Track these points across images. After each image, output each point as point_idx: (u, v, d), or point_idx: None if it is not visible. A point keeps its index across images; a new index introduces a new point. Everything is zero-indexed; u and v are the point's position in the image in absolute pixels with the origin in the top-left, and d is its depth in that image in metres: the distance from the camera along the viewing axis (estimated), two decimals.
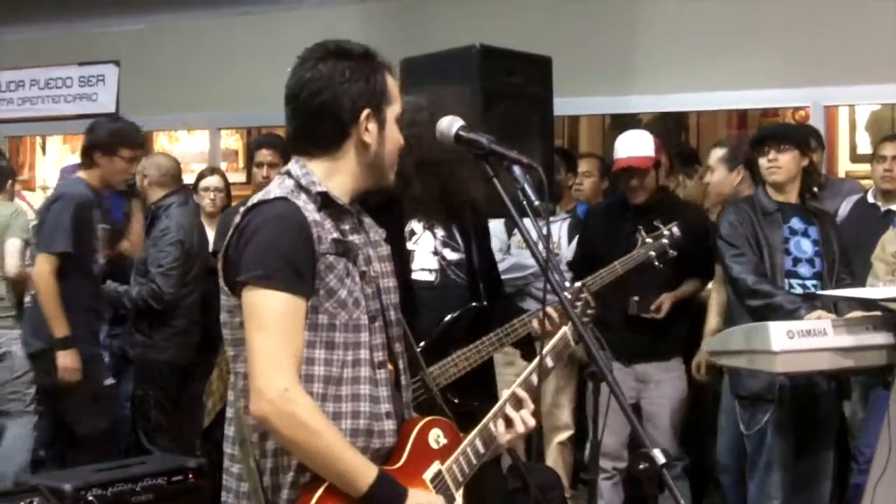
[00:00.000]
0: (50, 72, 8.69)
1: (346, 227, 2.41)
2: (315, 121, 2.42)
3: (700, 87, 6.69)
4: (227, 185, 6.75)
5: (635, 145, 5.27)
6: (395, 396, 2.48)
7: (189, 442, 6.04)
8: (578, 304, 3.35)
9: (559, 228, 5.88)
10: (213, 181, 6.61)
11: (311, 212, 2.34)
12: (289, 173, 2.42)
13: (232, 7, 7.96)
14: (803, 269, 4.76)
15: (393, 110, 2.45)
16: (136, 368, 5.90)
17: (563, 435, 5.72)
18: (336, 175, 2.42)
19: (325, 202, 2.38)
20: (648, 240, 4.19)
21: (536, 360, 2.71)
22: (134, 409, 6.00)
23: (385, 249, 2.56)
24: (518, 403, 2.62)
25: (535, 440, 5.46)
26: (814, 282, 4.71)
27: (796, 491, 4.85)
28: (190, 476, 4.59)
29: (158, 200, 5.96)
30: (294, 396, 2.25)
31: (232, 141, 9.80)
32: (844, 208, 5.60)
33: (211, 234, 6.23)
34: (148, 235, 5.89)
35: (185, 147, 9.49)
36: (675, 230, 4.19)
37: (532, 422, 2.63)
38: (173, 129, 9.59)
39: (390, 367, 2.49)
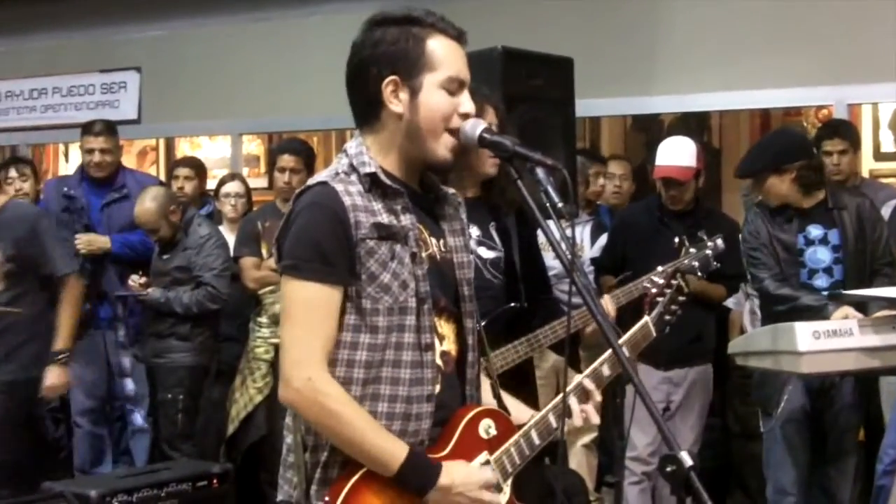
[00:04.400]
0: (72, 79, 8.71)
1: (399, 206, 2.38)
2: (351, 90, 2.42)
3: (722, 87, 6.64)
4: (249, 190, 6.78)
5: (678, 154, 5.18)
6: (452, 382, 2.46)
7: (211, 448, 6.07)
8: (668, 290, 3.32)
9: (582, 231, 5.87)
10: (234, 187, 6.64)
11: (352, 194, 2.32)
12: (346, 151, 2.42)
13: (252, 13, 7.97)
14: (820, 281, 4.74)
15: (435, 77, 2.35)
16: (161, 374, 5.90)
17: (587, 437, 5.70)
18: (386, 150, 2.40)
19: (374, 182, 2.36)
20: (692, 250, 4.21)
21: (609, 351, 2.65)
22: (157, 415, 6.01)
23: (460, 223, 2.54)
24: (584, 395, 2.60)
25: (560, 443, 5.44)
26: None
27: (816, 494, 4.85)
28: (214, 482, 4.60)
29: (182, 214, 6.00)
30: (319, 385, 2.27)
31: (253, 146, 9.81)
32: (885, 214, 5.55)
33: (231, 238, 6.25)
34: (176, 248, 5.91)
35: (207, 153, 9.50)
36: (720, 242, 4.23)
37: (596, 418, 2.61)
38: (195, 136, 9.61)
39: (454, 346, 2.48)
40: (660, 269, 4.04)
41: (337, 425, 2.28)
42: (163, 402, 5.88)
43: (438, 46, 2.36)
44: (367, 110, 2.41)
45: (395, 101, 2.36)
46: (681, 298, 3.33)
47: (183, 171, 6.97)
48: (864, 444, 5.13)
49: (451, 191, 2.57)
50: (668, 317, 3.28)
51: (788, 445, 4.82)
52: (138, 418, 6.32)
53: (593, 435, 5.69)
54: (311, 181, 2.40)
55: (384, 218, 2.34)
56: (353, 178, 2.36)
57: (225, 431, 5.98)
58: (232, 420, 5.91)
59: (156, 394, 5.97)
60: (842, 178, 5.57)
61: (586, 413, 2.58)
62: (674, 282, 3.35)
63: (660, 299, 3.30)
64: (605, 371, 2.72)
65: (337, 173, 2.37)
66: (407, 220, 2.38)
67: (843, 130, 5.77)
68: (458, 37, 2.41)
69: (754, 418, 5.36)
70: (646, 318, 3.07)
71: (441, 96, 2.37)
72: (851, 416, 4.87)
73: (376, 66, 2.36)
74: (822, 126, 6.09)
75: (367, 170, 2.36)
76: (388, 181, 2.37)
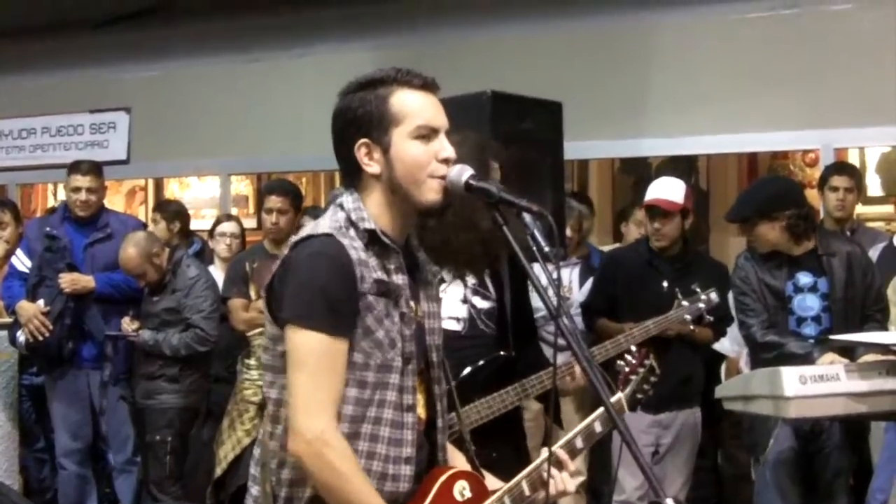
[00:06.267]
0: (61, 119, 8.73)
1: (392, 265, 2.39)
2: (336, 156, 2.45)
3: (710, 131, 6.70)
4: (243, 231, 6.88)
5: (665, 189, 5.28)
6: (423, 442, 2.45)
7: (199, 489, 6.03)
8: (641, 370, 3.33)
9: (570, 273, 5.87)
10: (229, 227, 6.76)
11: (357, 249, 2.33)
12: (341, 206, 2.42)
13: (242, 54, 8.01)
14: (808, 329, 4.74)
15: (403, 129, 2.37)
16: (151, 415, 5.87)
17: (575, 481, 5.65)
18: (378, 209, 2.40)
19: (371, 239, 2.37)
20: (685, 303, 4.23)
21: (590, 418, 2.68)
22: (145, 457, 5.97)
23: (435, 290, 2.55)
24: (557, 464, 2.58)
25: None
26: None
27: None
28: None
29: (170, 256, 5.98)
30: (329, 439, 2.26)
31: (242, 186, 9.84)
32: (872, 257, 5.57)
33: (222, 278, 6.25)
34: (165, 289, 5.90)
35: (197, 193, 9.53)
36: (714, 296, 4.28)
37: (571, 487, 2.59)
38: (184, 175, 9.63)
39: (423, 410, 2.47)
40: (635, 331, 4.07)
41: (338, 481, 2.27)
42: (152, 443, 5.85)
43: (402, 99, 2.39)
44: (352, 174, 2.43)
45: (370, 163, 2.39)
46: (653, 379, 3.35)
47: (154, 216, 7.06)
48: (854, 488, 5.11)
49: (423, 256, 2.56)
50: (639, 395, 3.33)
51: (779, 489, 4.79)
52: (111, 459, 6.29)
53: (581, 479, 5.66)
54: (313, 230, 2.39)
55: (381, 274, 2.35)
56: (353, 233, 2.36)
57: (213, 473, 5.93)
58: (220, 462, 5.87)
59: (144, 435, 5.94)
60: (844, 216, 5.63)
61: (563, 480, 2.56)
62: (647, 362, 3.37)
63: (633, 377, 3.33)
64: (598, 428, 2.73)
65: (340, 227, 2.37)
66: (399, 279, 2.39)
67: (850, 169, 5.85)
68: (425, 85, 2.42)
69: (746, 460, 5.35)
70: (619, 395, 3.10)
71: (413, 146, 2.38)
72: (842, 459, 4.85)
73: (348, 131, 2.39)
74: (829, 164, 6.14)
75: (367, 226, 2.37)
76: (385, 239, 2.38)
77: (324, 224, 2.39)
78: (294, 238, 2.41)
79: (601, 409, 2.70)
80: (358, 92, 2.41)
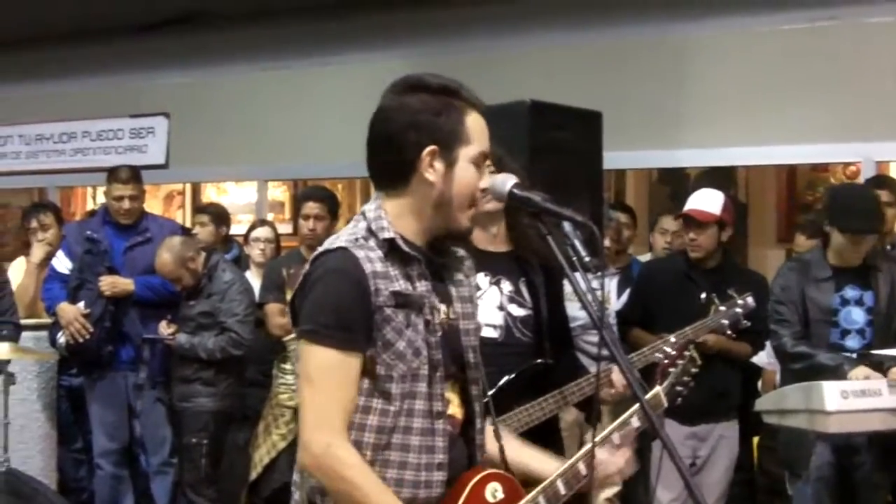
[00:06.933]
0: (101, 124, 8.79)
1: (415, 272, 2.39)
2: (382, 151, 2.42)
3: (749, 142, 6.64)
4: (277, 236, 6.90)
5: (702, 200, 5.26)
6: (458, 445, 2.46)
7: (234, 492, 6.06)
8: (681, 361, 3.31)
9: (608, 283, 5.86)
10: (263, 232, 6.79)
11: (373, 261, 2.33)
12: (364, 214, 2.43)
13: (279, 61, 8.04)
14: (851, 342, 4.71)
15: (469, 151, 2.38)
16: (186, 418, 5.90)
17: (610, 491, 5.64)
18: (406, 215, 2.40)
19: (391, 248, 2.37)
20: (722, 308, 4.20)
21: (628, 413, 2.66)
22: (181, 459, 6.01)
23: (468, 289, 2.54)
24: (614, 449, 2.62)
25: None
26: None
27: None
28: None
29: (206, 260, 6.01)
30: (336, 451, 2.29)
31: (279, 192, 9.87)
32: None
33: (257, 283, 6.28)
34: (201, 293, 5.93)
35: (234, 198, 9.57)
36: (750, 301, 4.24)
37: (630, 468, 2.62)
38: (221, 181, 9.68)
39: (459, 411, 2.48)
40: (672, 339, 4.04)
41: (350, 490, 2.29)
42: (187, 446, 5.89)
43: (473, 122, 2.40)
44: (396, 174, 2.41)
45: (431, 171, 2.37)
46: (693, 370, 3.31)
47: (201, 218, 7.06)
48: None
49: (461, 252, 2.57)
50: (679, 388, 3.28)
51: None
52: (143, 461, 6.33)
53: (616, 489, 5.62)
54: (330, 244, 2.40)
55: (401, 285, 2.35)
56: (372, 242, 2.37)
57: (248, 476, 5.96)
58: (255, 465, 5.91)
59: (181, 437, 5.97)
60: (885, 230, 5.59)
61: (617, 463, 2.58)
62: (686, 353, 3.33)
63: (672, 370, 3.28)
64: (635, 422, 2.72)
65: (357, 238, 2.37)
66: (422, 286, 2.39)
67: (890, 182, 5.79)
68: (484, 111, 2.45)
69: (780, 475, 5.31)
70: (657, 389, 3.07)
71: (471, 171, 2.40)
72: (879, 474, 4.81)
73: (416, 132, 2.36)
74: (869, 178, 6.08)
75: (386, 235, 2.37)
76: (405, 248, 2.38)
77: (342, 236, 2.40)
78: (314, 253, 2.43)
79: (638, 405, 2.67)
80: (422, 94, 2.39)
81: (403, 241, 2.38)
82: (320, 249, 2.41)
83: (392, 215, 2.40)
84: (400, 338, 2.34)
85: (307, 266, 2.40)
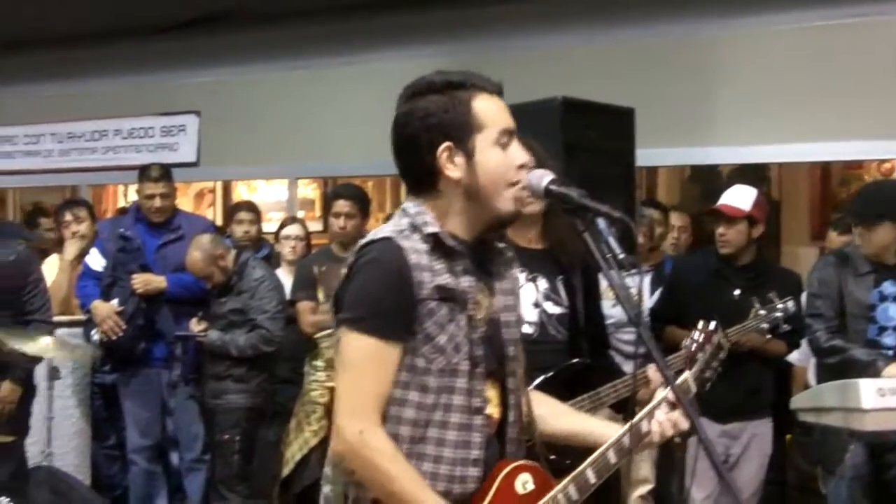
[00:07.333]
0: (133, 122, 8.83)
1: (459, 267, 2.38)
2: (404, 159, 2.44)
3: (782, 139, 6.60)
4: (308, 234, 6.93)
5: (733, 196, 5.22)
6: (493, 444, 2.45)
7: (265, 489, 6.08)
8: (708, 347, 3.28)
9: (641, 281, 5.83)
10: (294, 230, 6.81)
11: (418, 253, 2.34)
12: (405, 211, 2.43)
13: (309, 59, 8.05)
14: (888, 339, 4.67)
15: (486, 136, 2.38)
16: (218, 415, 5.92)
17: (643, 489, 5.63)
18: (446, 215, 2.40)
19: (435, 243, 2.37)
20: (762, 311, 4.17)
21: (656, 400, 2.63)
22: (213, 455, 6.04)
23: (510, 282, 2.54)
24: (670, 405, 2.59)
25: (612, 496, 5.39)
26: None
27: None
28: None
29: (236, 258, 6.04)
30: (369, 439, 2.29)
31: (309, 190, 9.89)
32: None
33: (288, 281, 6.29)
34: (231, 291, 5.95)
35: (264, 196, 9.60)
36: (791, 305, 4.23)
37: (683, 424, 2.55)
38: (252, 179, 9.71)
39: (496, 410, 2.47)
40: (699, 326, 4.01)
41: (381, 479, 2.30)
42: (219, 443, 5.91)
43: (483, 105, 2.39)
44: (423, 179, 2.42)
45: (452, 167, 2.38)
46: (721, 356, 3.27)
47: (248, 216, 7.08)
48: None
49: (503, 245, 2.56)
50: (708, 373, 3.25)
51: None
52: (174, 457, 6.37)
53: (649, 487, 5.62)
54: (375, 235, 2.41)
55: (445, 279, 2.35)
56: (416, 237, 2.37)
57: (279, 473, 5.98)
58: (286, 462, 5.93)
59: (213, 434, 5.99)
60: None
61: (673, 419, 2.55)
62: (714, 338, 3.29)
63: (699, 356, 3.25)
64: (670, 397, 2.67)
65: (402, 230, 2.38)
66: (466, 282, 2.39)
67: None
68: (498, 91, 2.44)
69: (813, 473, 5.27)
70: (686, 374, 3.03)
71: (496, 153, 2.39)
72: None
73: (428, 134, 2.37)
74: None
75: (430, 230, 2.37)
76: (450, 242, 2.38)
77: (386, 228, 2.41)
78: (360, 242, 2.44)
79: (666, 391, 2.64)
80: (429, 95, 2.40)
81: (450, 236, 2.38)
82: (366, 239, 2.41)
83: (434, 215, 2.40)
84: (441, 332, 2.34)
85: (351, 256, 2.41)
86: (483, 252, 2.48)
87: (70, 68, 8.92)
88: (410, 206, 2.43)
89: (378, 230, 2.44)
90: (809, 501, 5.79)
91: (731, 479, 2.21)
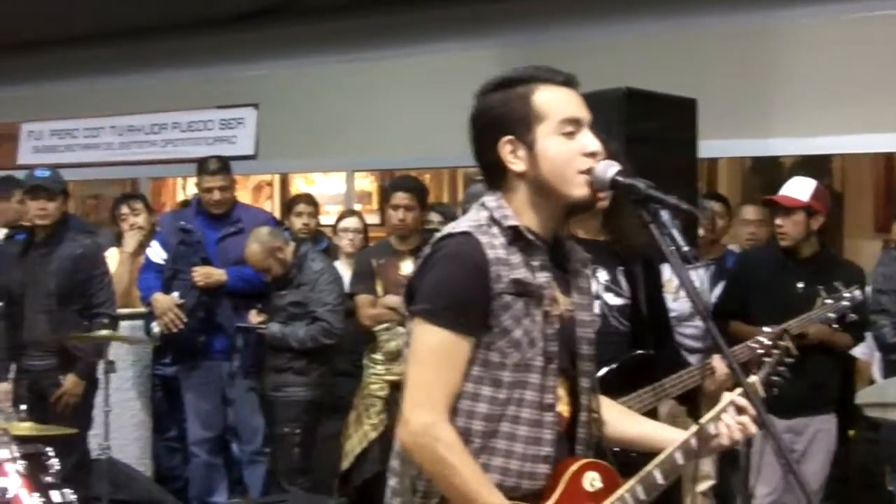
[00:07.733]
0: (191, 115, 8.89)
1: (536, 262, 2.38)
2: (477, 156, 2.47)
3: (844, 130, 6.49)
4: (365, 226, 6.93)
5: (791, 186, 5.17)
6: (561, 442, 2.43)
7: (325, 482, 6.09)
8: (776, 351, 3.25)
9: (700, 275, 5.77)
10: (352, 222, 6.82)
11: (496, 247, 2.34)
12: (484, 204, 2.43)
13: (366, 52, 8.06)
14: None
15: (547, 126, 2.37)
16: (279, 407, 5.95)
17: (704, 485, 5.56)
18: (523, 209, 2.41)
19: (515, 236, 2.37)
20: (829, 301, 4.11)
21: (729, 396, 2.58)
22: (274, 448, 6.07)
23: (586, 280, 2.54)
24: (739, 410, 2.52)
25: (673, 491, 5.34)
26: None
27: None
28: None
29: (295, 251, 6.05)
30: (436, 432, 2.29)
31: (366, 183, 9.90)
32: None
33: (347, 273, 6.30)
34: (291, 284, 5.96)
35: (321, 188, 9.62)
36: (858, 294, 4.16)
37: (753, 428, 2.50)
38: (309, 172, 9.74)
39: (566, 408, 2.45)
40: (766, 329, 3.95)
41: (445, 471, 2.30)
42: (280, 435, 5.94)
43: (544, 97, 2.39)
44: (495, 175, 2.44)
45: (515, 160, 2.39)
46: (788, 360, 3.24)
47: (307, 209, 7.10)
48: None
49: (577, 247, 2.56)
50: (775, 378, 3.22)
51: None
52: (235, 448, 6.40)
53: (710, 483, 5.55)
54: (453, 229, 2.41)
55: (522, 273, 2.35)
56: (495, 230, 2.37)
57: (339, 466, 6.00)
58: (346, 455, 5.94)
59: (273, 427, 6.02)
60: None
61: (742, 424, 2.49)
62: (781, 343, 3.26)
63: (766, 360, 3.22)
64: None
65: (480, 224, 2.38)
66: (543, 277, 2.38)
67: None
68: (567, 82, 2.42)
69: (879, 470, 5.19)
70: (753, 377, 3.01)
71: (558, 142, 2.38)
72: None
73: (490, 131, 2.40)
74: None
75: (510, 223, 2.37)
76: (529, 236, 2.38)
77: (464, 222, 2.41)
78: (437, 235, 2.44)
79: (733, 394, 2.59)
80: (495, 92, 2.42)
81: (527, 230, 2.38)
82: (443, 232, 2.42)
83: (513, 210, 2.40)
84: (517, 326, 2.33)
85: (428, 248, 2.41)
86: (559, 249, 2.48)
87: (129, 62, 9.01)
88: (490, 199, 2.43)
89: (456, 224, 2.44)
90: (875, 498, 5.70)
91: (801, 475, 2.17)
